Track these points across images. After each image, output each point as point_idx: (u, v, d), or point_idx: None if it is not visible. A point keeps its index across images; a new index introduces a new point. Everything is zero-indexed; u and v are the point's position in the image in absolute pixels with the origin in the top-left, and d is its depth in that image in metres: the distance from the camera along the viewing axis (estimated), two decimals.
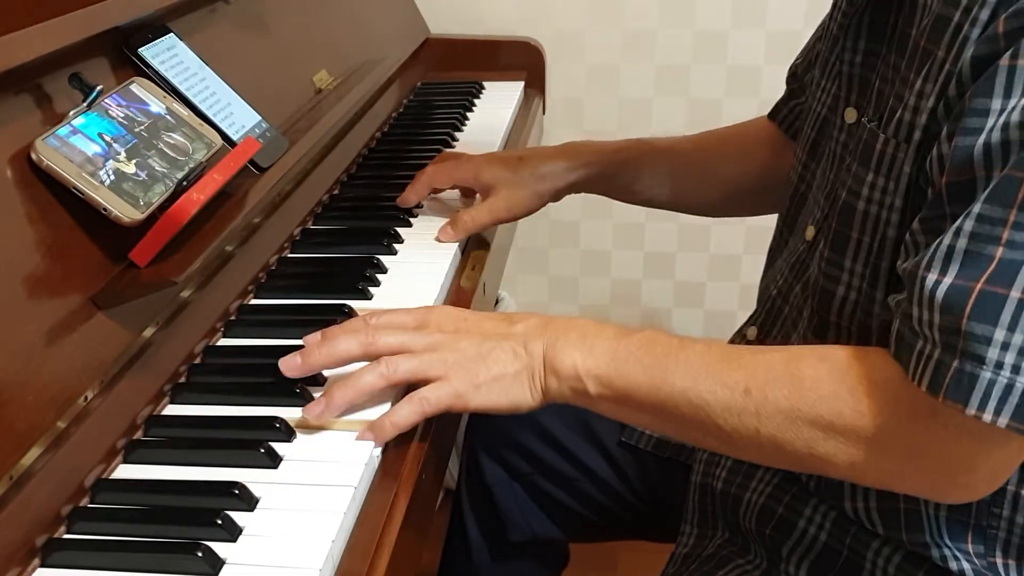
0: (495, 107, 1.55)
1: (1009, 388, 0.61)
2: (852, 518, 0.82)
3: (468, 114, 1.51)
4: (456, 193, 1.18)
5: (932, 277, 0.64)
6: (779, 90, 1.11)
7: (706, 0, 1.77)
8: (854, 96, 0.83)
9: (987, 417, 0.62)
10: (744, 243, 1.93)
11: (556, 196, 1.13)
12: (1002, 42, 0.64)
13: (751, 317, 0.98)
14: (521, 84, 1.66)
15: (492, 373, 0.77)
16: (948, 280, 0.63)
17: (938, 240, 0.65)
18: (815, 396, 0.69)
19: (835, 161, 0.84)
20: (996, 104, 0.63)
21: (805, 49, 1.06)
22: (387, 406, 0.77)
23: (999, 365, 0.61)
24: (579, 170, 1.12)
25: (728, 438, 0.73)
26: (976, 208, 0.63)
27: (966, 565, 0.77)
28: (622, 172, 1.13)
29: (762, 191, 1.13)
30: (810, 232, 0.85)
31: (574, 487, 1.11)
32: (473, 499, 1.16)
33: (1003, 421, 0.62)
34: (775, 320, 0.91)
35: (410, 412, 0.75)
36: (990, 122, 0.63)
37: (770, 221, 1.00)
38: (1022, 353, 0.61)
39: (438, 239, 1.07)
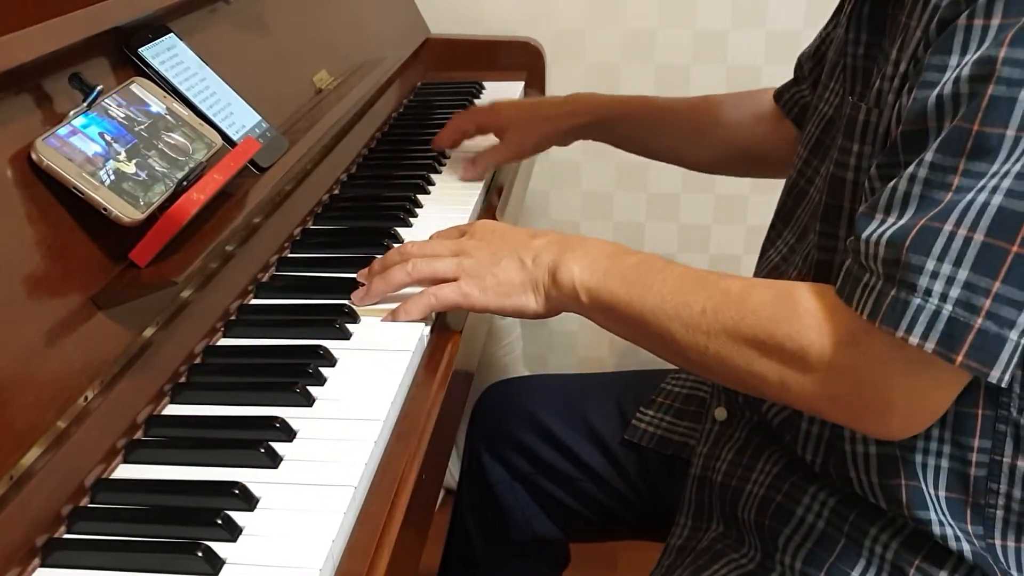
0: None
1: (936, 314, 0.66)
2: (853, 501, 0.83)
3: None
4: (456, 189, 1.20)
5: (886, 219, 0.69)
6: None
7: (706, 0, 1.77)
8: (858, 87, 0.84)
9: (914, 340, 0.66)
10: (744, 243, 1.93)
11: (562, 138, 1.25)
12: (963, 5, 0.68)
13: None
14: (521, 84, 1.66)
15: (499, 279, 0.87)
16: (901, 222, 0.68)
17: (892, 185, 0.69)
18: (755, 318, 0.75)
19: None
20: (953, 60, 0.68)
21: (814, 40, 1.08)
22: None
23: (928, 292, 0.66)
24: (582, 116, 1.23)
25: (682, 351, 0.79)
26: (928, 157, 0.67)
27: (966, 546, 0.78)
28: (622, 122, 1.23)
29: (757, 156, 1.19)
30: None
31: (575, 487, 1.11)
32: (474, 499, 1.16)
33: (929, 346, 0.66)
34: None
35: (421, 304, 0.89)
36: (945, 76, 0.68)
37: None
38: (950, 282, 0.65)
39: (462, 178, 1.23)
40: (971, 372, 0.66)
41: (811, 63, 1.08)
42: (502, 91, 1.62)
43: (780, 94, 1.15)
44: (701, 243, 1.94)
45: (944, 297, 0.65)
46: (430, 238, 0.96)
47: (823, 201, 0.83)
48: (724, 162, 1.24)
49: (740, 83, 1.81)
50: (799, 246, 0.90)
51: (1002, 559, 0.78)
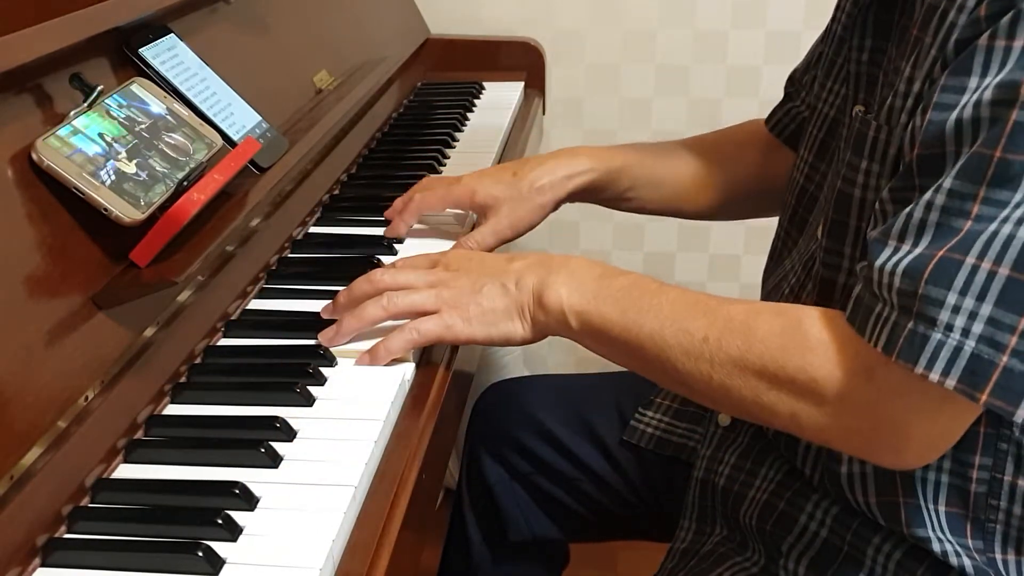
0: (495, 107, 1.55)
1: (958, 351, 0.63)
2: (856, 510, 0.82)
3: (468, 114, 1.51)
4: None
5: (901, 246, 0.66)
6: (779, 90, 1.11)
7: (706, 0, 1.77)
8: (862, 94, 0.83)
9: (934, 377, 0.64)
10: (744, 243, 1.93)
11: (556, 206, 1.10)
12: (983, 24, 0.65)
13: None
14: (521, 84, 1.66)
15: (483, 307, 0.83)
16: (917, 251, 0.65)
17: (907, 211, 0.66)
18: (763, 348, 0.72)
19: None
20: (972, 82, 0.65)
21: (806, 56, 1.06)
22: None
23: (949, 327, 0.63)
24: (578, 177, 1.09)
25: (683, 380, 0.76)
26: (946, 183, 0.65)
27: (967, 561, 0.77)
28: (620, 178, 1.11)
29: (756, 195, 1.13)
30: (821, 232, 0.86)
31: (574, 487, 1.11)
32: (473, 499, 1.16)
33: (951, 383, 0.64)
34: None
35: (402, 340, 0.83)
36: (963, 99, 0.65)
37: (770, 221, 1.00)
38: (972, 317, 0.63)
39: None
40: (995, 410, 0.64)
41: (808, 76, 1.04)
42: (502, 91, 1.62)
43: (770, 118, 1.10)
44: (701, 243, 1.94)
45: (966, 332, 0.63)
46: (397, 265, 0.90)
47: (829, 216, 0.82)
48: (728, 204, 1.15)
49: (740, 83, 1.82)
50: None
51: (1004, 573, 0.78)
